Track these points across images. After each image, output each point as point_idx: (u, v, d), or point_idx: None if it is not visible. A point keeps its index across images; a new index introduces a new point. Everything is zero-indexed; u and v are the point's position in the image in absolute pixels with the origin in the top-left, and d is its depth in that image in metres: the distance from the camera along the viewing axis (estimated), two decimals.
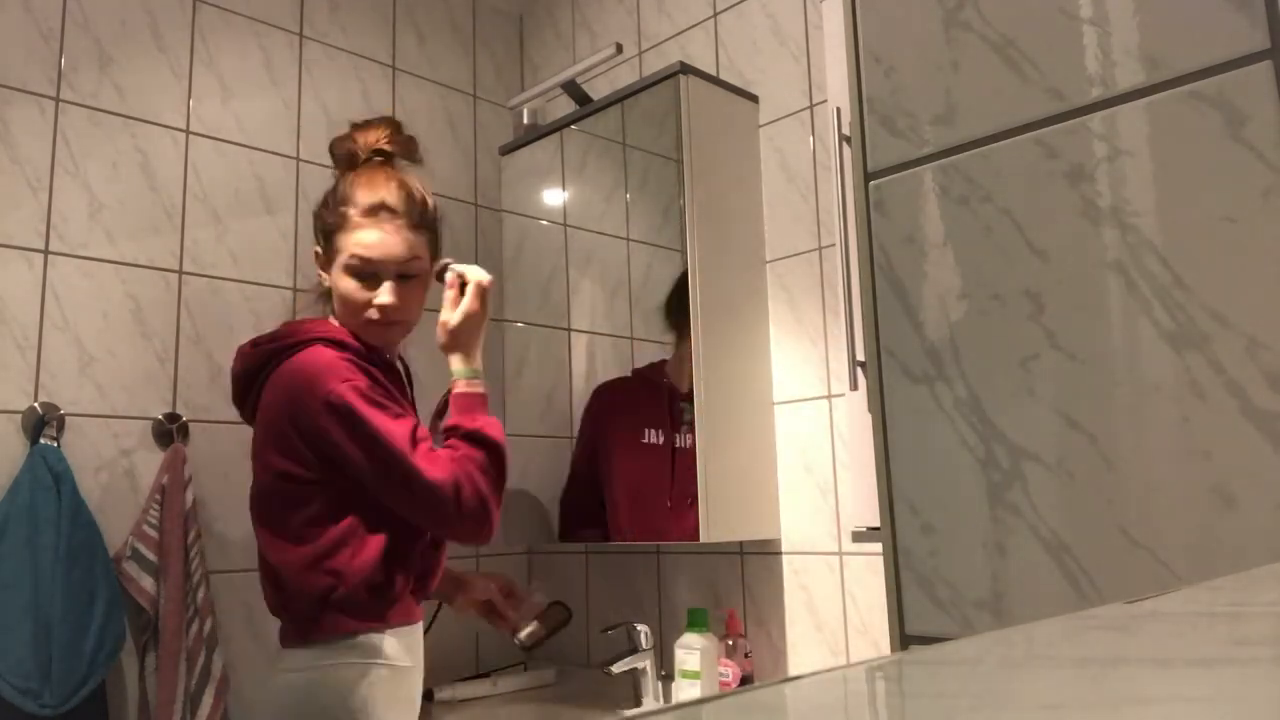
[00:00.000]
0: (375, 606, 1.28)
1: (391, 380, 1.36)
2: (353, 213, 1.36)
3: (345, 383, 1.27)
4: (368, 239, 1.34)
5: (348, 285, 1.36)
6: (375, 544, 1.29)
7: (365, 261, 1.35)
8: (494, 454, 1.33)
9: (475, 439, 1.32)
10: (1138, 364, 0.85)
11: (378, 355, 1.37)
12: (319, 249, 1.43)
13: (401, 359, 1.48)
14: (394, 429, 1.26)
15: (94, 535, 1.59)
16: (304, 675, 1.26)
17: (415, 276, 1.38)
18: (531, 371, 2.05)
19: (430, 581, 1.40)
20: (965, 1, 1.00)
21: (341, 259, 1.35)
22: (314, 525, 1.28)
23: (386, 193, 1.36)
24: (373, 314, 1.35)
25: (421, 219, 1.39)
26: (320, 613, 1.26)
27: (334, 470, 1.28)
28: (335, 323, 1.40)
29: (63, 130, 1.72)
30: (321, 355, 1.31)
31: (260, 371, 1.36)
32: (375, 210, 1.35)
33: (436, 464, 1.27)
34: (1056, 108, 0.92)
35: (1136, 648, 0.36)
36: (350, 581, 1.26)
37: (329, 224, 1.39)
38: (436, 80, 2.30)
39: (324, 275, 1.42)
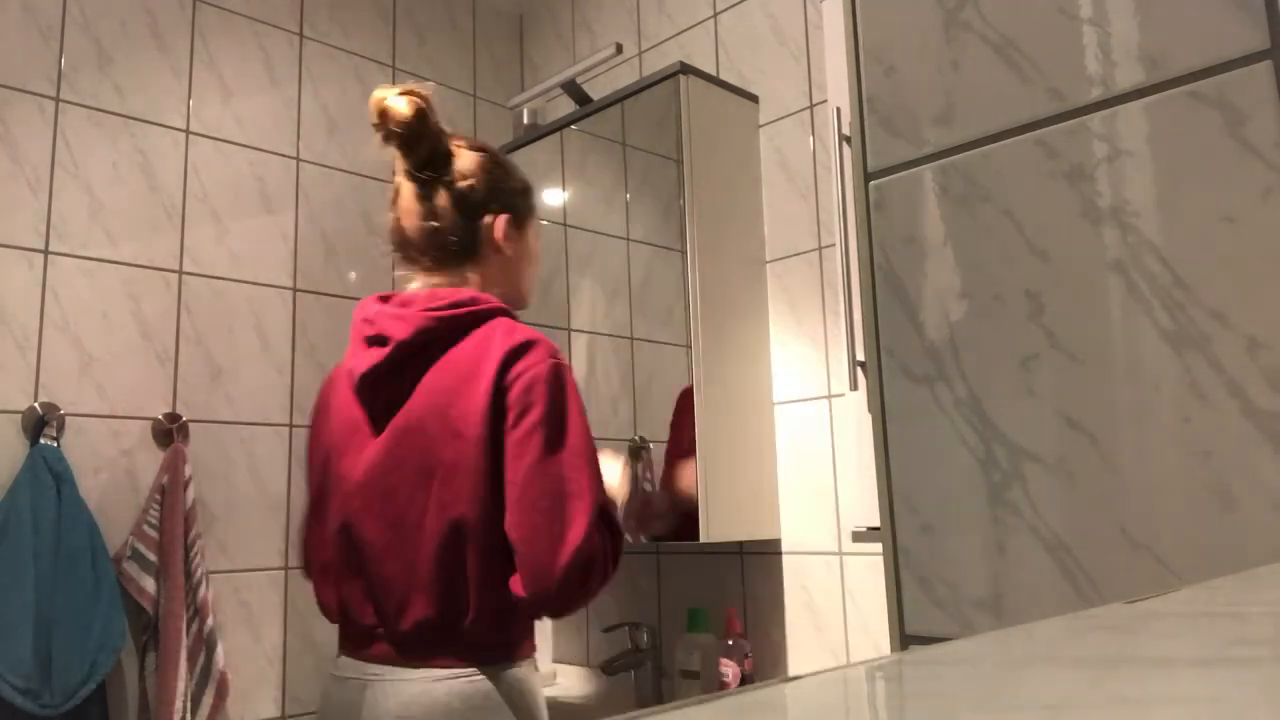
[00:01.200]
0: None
1: None
2: (532, 195, 1.35)
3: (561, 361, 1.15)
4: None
5: (539, 254, 1.35)
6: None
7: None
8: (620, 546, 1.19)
9: (612, 524, 1.18)
10: (1138, 364, 0.85)
11: None
12: (508, 214, 1.27)
13: None
14: (589, 443, 1.13)
15: (94, 535, 1.59)
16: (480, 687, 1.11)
17: None
18: None
19: None
20: (965, 1, 1.00)
21: (534, 223, 1.32)
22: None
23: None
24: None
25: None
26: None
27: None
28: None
29: (63, 130, 1.72)
30: (528, 335, 1.17)
31: (449, 336, 1.17)
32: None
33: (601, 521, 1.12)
34: (1056, 108, 0.92)
35: (1136, 648, 0.36)
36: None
37: (520, 186, 1.31)
38: (436, 80, 2.30)
39: (507, 243, 1.27)
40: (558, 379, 1.13)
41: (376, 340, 1.19)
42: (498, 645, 1.14)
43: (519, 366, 1.13)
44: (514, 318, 1.21)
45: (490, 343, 1.15)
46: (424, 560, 1.12)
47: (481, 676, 1.11)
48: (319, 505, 1.24)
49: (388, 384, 1.18)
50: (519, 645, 1.17)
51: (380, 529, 1.15)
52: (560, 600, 1.08)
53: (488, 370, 1.12)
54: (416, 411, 1.15)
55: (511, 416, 1.11)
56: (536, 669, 1.22)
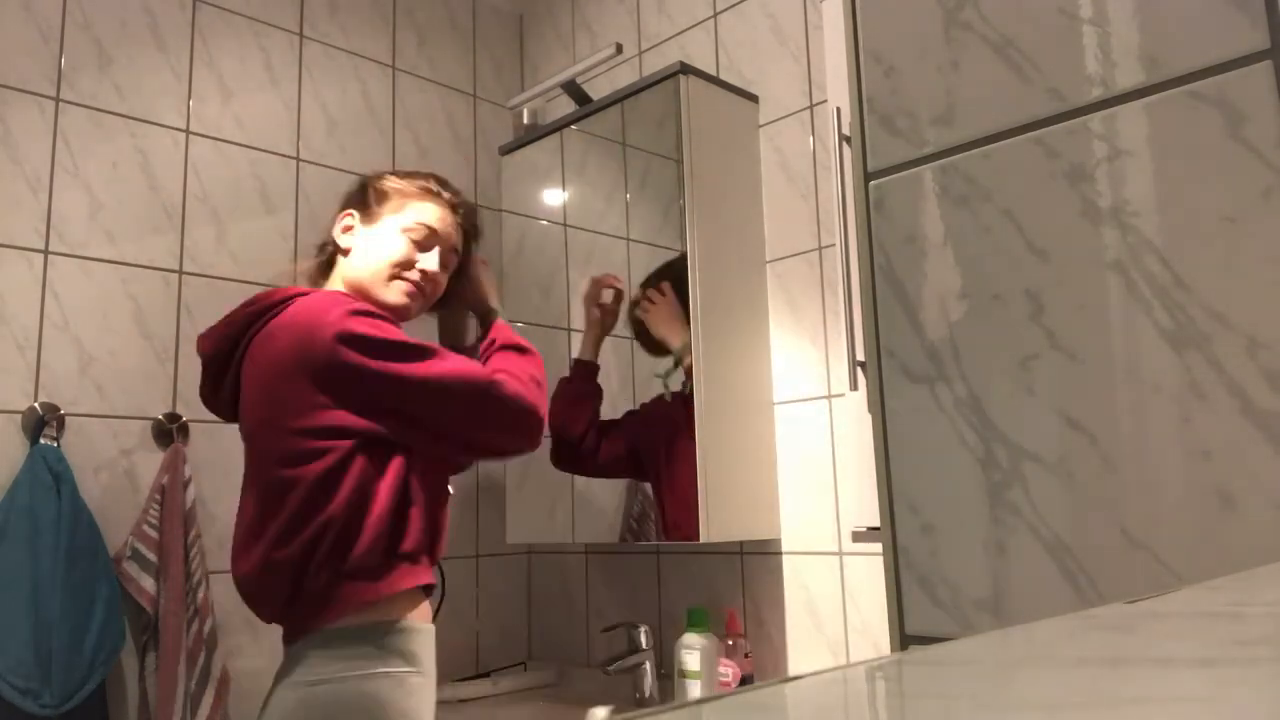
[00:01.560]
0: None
1: None
2: (423, 185, 1.38)
3: (355, 314, 1.21)
4: (434, 214, 1.37)
5: (399, 243, 1.34)
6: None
7: (430, 233, 1.35)
8: (534, 358, 1.37)
9: (514, 347, 1.37)
10: (1138, 364, 0.85)
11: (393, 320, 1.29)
12: (354, 210, 1.38)
13: None
14: (417, 344, 1.23)
15: (94, 535, 1.59)
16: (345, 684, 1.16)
17: (446, 270, 1.40)
18: None
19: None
20: (965, 1, 1.00)
21: (401, 221, 1.35)
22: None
23: (456, 188, 1.43)
24: (414, 275, 1.34)
25: (473, 229, 1.45)
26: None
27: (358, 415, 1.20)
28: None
29: (63, 130, 1.72)
30: (325, 296, 1.25)
31: (239, 341, 1.27)
32: (444, 195, 1.39)
33: (472, 364, 1.28)
34: (1056, 108, 0.92)
35: (1136, 648, 0.36)
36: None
37: (388, 187, 1.38)
38: (436, 80, 2.30)
39: (345, 237, 1.37)
40: None
41: None
42: None
43: None
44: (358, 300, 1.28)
45: None
46: None
47: None
48: None
49: None
50: None
51: None
52: None
53: None
54: None
55: None
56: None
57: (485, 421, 1.27)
